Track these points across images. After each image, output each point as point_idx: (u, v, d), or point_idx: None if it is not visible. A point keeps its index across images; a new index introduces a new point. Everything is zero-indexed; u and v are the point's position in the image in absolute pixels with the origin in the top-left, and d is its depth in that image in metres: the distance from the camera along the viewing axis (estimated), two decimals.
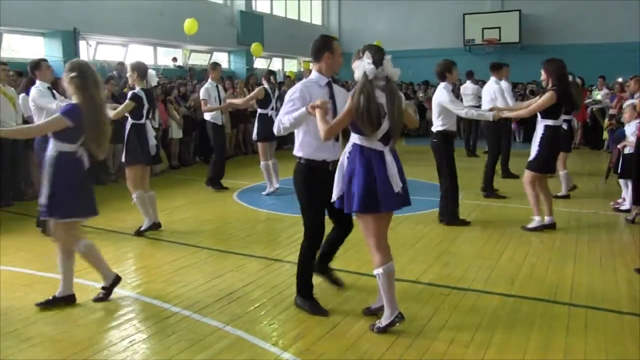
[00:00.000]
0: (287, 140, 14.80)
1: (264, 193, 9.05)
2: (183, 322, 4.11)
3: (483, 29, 21.14)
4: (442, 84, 6.76)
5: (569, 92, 6.62)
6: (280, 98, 8.30)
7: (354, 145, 3.82)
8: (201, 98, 9.09)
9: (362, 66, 3.68)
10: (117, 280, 4.60)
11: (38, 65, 6.53)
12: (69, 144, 4.30)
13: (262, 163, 9.02)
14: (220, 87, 9.38)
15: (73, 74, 4.30)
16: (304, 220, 4.32)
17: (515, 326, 3.99)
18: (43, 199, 4.29)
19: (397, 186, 3.76)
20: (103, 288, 4.58)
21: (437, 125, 6.80)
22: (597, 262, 5.45)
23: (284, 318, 4.20)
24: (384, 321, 3.88)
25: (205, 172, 9.85)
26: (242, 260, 5.59)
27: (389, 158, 3.78)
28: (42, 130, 4.49)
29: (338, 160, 4.02)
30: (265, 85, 9.08)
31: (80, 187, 4.36)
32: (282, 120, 4.10)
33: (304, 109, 3.96)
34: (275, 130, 4.21)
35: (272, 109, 8.88)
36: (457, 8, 21.56)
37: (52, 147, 4.31)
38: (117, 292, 4.69)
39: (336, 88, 4.36)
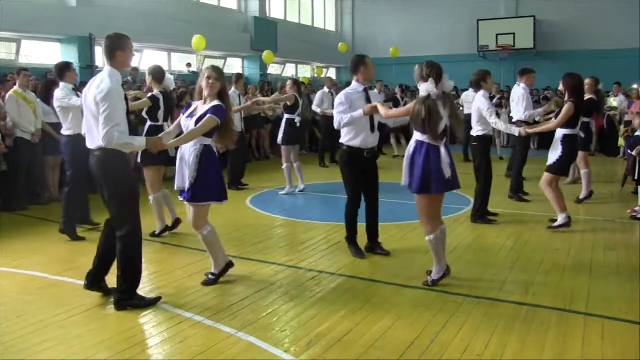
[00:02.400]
0: (301, 147, 14.91)
1: (281, 193, 9.50)
2: (196, 327, 4.11)
3: (497, 34, 21.05)
4: (480, 92, 7.24)
5: (584, 104, 7.05)
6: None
7: (417, 141, 4.76)
8: None
9: (426, 88, 4.59)
10: (229, 265, 5.14)
11: (68, 67, 6.73)
12: (209, 138, 4.88)
13: (284, 165, 9.44)
14: (241, 97, 10.20)
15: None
16: (345, 186, 5.76)
17: (530, 335, 3.94)
18: (187, 185, 4.83)
19: (447, 174, 4.68)
20: (212, 274, 5.07)
21: (476, 130, 7.28)
22: (613, 270, 5.38)
23: (297, 325, 4.19)
24: (435, 275, 4.91)
25: None
26: (255, 266, 5.59)
27: (443, 151, 4.70)
28: (201, 131, 4.76)
29: (373, 148, 5.69)
30: (295, 93, 9.59)
31: (221, 175, 4.99)
32: (343, 118, 5.41)
33: (361, 111, 5.31)
34: (335, 125, 5.50)
35: (298, 115, 9.45)
36: (471, 14, 21.49)
37: (196, 141, 4.81)
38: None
39: (371, 93, 5.77)
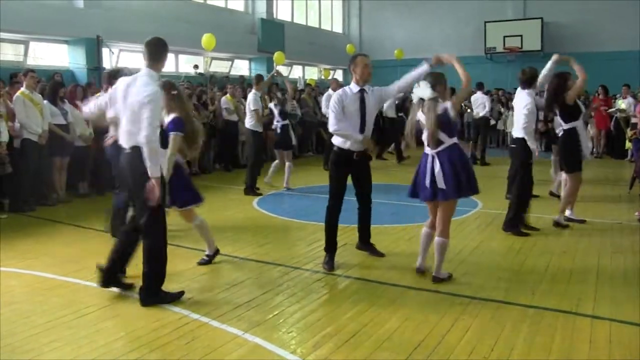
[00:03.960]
0: (308, 149, 14.92)
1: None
2: (202, 328, 4.12)
3: (504, 36, 21.01)
4: (526, 91, 6.80)
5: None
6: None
7: (456, 145, 4.96)
8: (253, 108, 9.62)
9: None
10: (217, 252, 5.76)
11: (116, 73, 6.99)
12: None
13: (287, 164, 9.91)
14: (262, 98, 10.29)
15: (174, 92, 5.18)
16: (329, 190, 5.58)
17: (536, 338, 3.93)
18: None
19: (440, 183, 4.86)
20: (206, 255, 5.72)
21: (518, 131, 6.77)
22: (621, 273, 5.36)
23: (303, 326, 4.19)
24: (445, 274, 5.08)
25: (225, 179, 10.04)
26: (261, 267, 5.60)
27: (430, 159, 4.95)
28: (174, 151, 5.11)
29: (363, 151, 5.50)
30: (271, 105, 10.09)
31: (187, 180, 5.59)
32: (335, 125, 5.37)
33: (357, 136, 5.36)
34: (329, 126, 5.47)
35: (277, 121, 9.89)
36: (478, 15, 21.46)
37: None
38: (136, 297, 4.72)
39: (367, 94, 5.46)
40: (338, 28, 24.71)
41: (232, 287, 5.01)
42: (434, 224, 5.14)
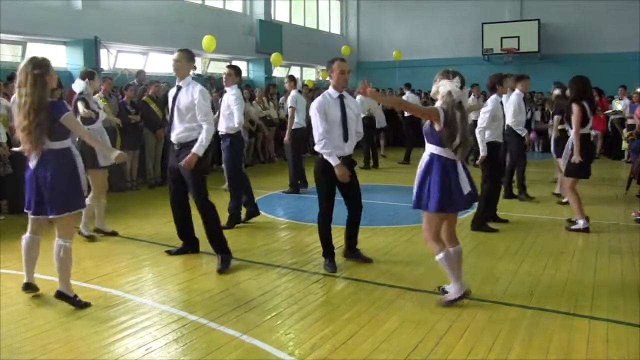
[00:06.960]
0: (305, 150, 14.89)
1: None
2: (199, 330, 4.12)
3: (502, 38, 21.01)
4: (492, 97, 7.08)
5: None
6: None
7: (431, 154, 4.40)
8: (289, 105, 9.86)
9: (449, 85, 4.28)
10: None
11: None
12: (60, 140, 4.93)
13: None
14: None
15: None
16: (318, 198, 5.45)
17: (534, 339, 3.93)
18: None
19: (466, 189, 4.35)
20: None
21: (486, 136, 6.98)
22: (618, 274, 5.37)
23: (301, 328, 4.19)
24: (453, 295, 4.50)
25: (223, 180, 9.97)
26: (259, 269, 5.60)
27: (459, 166, 4.38)
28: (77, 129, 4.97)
29: (348, 157, 5.36)
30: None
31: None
32: (321, 143, 5.22)
33: (335, 161, 5.19)
34: (315, 140, 5.32)
35: None
36: (475, 17, 21.46)
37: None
38: (134, 299, 4.73)
39: (347, 100, 5.42)
40: (336, 29, 24.70)
41: (230, 288, 5.01)
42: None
